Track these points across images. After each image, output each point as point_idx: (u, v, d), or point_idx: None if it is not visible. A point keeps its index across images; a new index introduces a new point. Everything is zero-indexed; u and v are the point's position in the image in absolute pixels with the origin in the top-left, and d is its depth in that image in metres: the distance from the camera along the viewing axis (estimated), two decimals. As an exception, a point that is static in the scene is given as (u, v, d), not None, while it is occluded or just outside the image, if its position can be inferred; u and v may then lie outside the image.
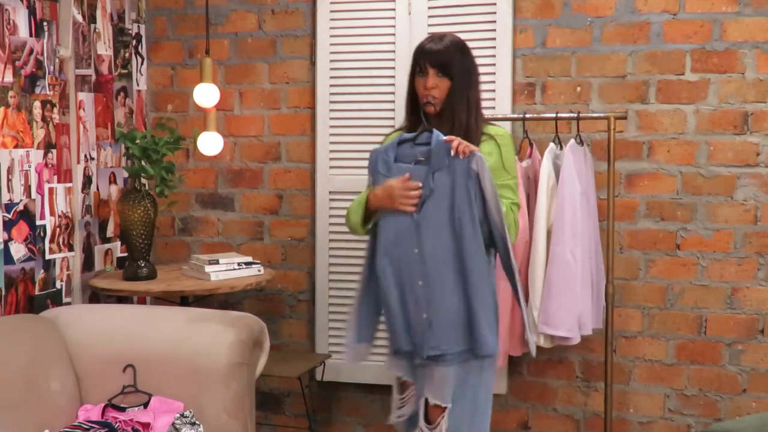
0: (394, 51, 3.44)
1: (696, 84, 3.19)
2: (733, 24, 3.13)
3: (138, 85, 3.75)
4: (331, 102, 3.54)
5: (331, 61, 3.53)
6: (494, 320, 2.44)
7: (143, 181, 3.29)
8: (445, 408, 2.45)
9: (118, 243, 3.58)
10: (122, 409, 2.66)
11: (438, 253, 2.37)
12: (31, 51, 3.02)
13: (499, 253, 2.44)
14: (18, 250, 2.96)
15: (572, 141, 3.00)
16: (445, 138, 2.37)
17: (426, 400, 2.49)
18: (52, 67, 3.13)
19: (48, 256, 3.12)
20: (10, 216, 2.92)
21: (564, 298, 2.93)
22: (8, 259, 2.91)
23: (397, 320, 2.46)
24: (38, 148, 3.07)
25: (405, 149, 2.45)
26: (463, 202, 2.34)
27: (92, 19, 3.41)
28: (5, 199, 2.90)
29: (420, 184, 2.37)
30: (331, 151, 3.55)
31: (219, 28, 3.69)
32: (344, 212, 2.77)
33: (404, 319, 2.46)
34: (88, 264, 3.38)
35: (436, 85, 2.46)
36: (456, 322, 2.39)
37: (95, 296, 3.35)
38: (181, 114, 3.78)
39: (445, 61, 2.45)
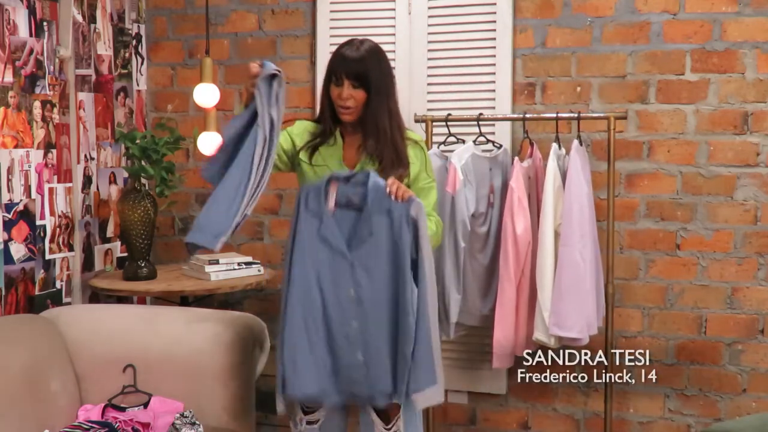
0: (394, 51, 3.43)
1: (696, 84, 3.19)
2: (733, 24, 3.13)
3: (138, 85, 3.75)
4: (331, 102, 3.54)
5: (331, 61, 3.53)
6: (428, 360, 2.35)
7: (143, 181, 3.29)
8: (400, 406, 2.46)
9: (118, 243, 3.58)
10: (122, 409, 2.66)
11: (375, 295, 2.33)
12: (31, 51, 3.02)
13: (420, 292, 2.33)
14: (18, 250, 2.96)
15: (576, 142, 3.00)
16: (385, 182, 2.32)
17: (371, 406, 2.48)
18: (52, 67, 3.13)
19: (48, 256, 3.12)
20: (10, 216, 2.92)
21: (575, 299, 2.93)
22: (8, 259, 2.91)
23: (320, 363, 2.36)
24: (38, 148, 3.07)
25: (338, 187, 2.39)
26: (405, 247, 2.30)
27: (92, 19, 3.41)
28: (5, 199, 2.90)
29: (258, 63, 2.31)
30: (331, 151, 3.55)
31: (219, 28, 3.69)
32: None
33: (331, 362, 2.36)
34: (88, 264, 3.38)
35: (351, 96, 2.40)
36: (387, 365, 2.35)
37: (95, 296, 3.35)
38: (181, 114, 3.78)
39: (360, 72, 2.39)
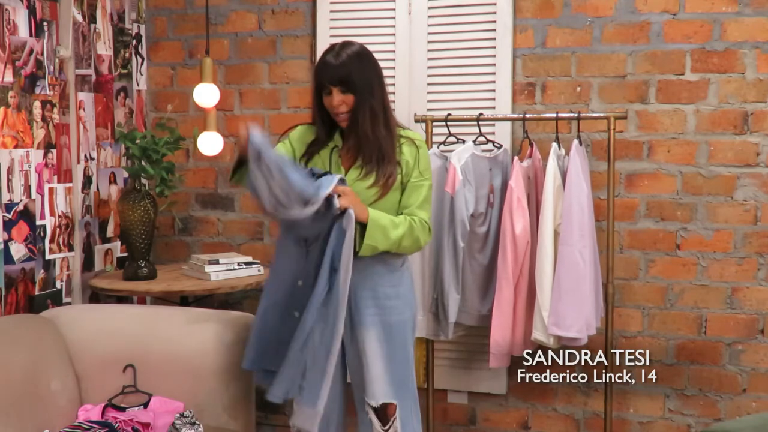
0: (394, 51, 3.44)
1: (696, 84, 3.19)
2: (733, 24, 3.13)
3: (138, 85, 3.75)
4: (331, 102, 3.54)
5: (331, 61, 3.53)
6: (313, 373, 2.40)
7: (143, 181, 3.29)
8: (395, 405, 2.49)
9: (118, 243, 3.58)
10: (122, 409, 2.66)
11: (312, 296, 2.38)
12: (31, 51, 3.02)
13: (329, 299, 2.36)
14: (18, 250, 2.96)
15: (576, 142, 3.00)
16: (333, 189, 2.32)
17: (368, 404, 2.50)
18: (52, 67, 3.13)
19: (48, 256, 3.12)
20: (10, 216, 2.92)
21: (574, 299, 2.93)
22: (8, 259, 2.91)
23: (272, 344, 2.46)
24: (38, 148, 3.07)
25: None
26: (330, 255, 2.34)
27: (92, 19, 3.41)
28: (5, 199, 2.90)
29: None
30: (331, 151, 3.55)
31: (219, 28, 3.69)
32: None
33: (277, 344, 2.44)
34: (88, 264, 3.38)
35: (342, 102, 2.41)
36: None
37: (95, 296, 3.35)
38: (181, 114, 3.78)
39: (343, 76, 2.39)
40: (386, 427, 2.49)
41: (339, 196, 2.32)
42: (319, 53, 3.53)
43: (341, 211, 2.32)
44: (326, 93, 2.43)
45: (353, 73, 2.40)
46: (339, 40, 3.54)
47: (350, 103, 2.42)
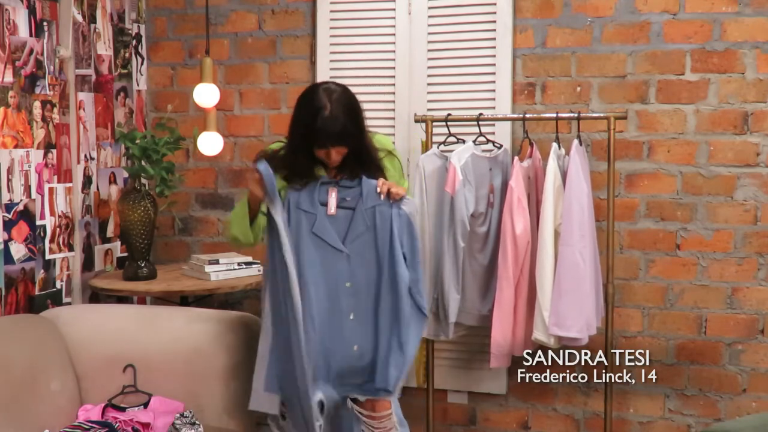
0: (394, 51, 3.44)
1: (696, 84, 3.19)
2: (733, 24, 3.13)
3: (138, 85, 3.75)
4: (331, 102, 3.53)
5: (331, 61, 3.53)
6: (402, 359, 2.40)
7: (143, 181, 3.29)
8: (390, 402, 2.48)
9: (118, 243, 3.58)
10: (122, 409, 2.66)
11: (370, 284, 2.40)
12: (31, 51, 3.02)
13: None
14: (18, 250, 2.96)
15: (576, 142, 3.00)
16: (376, 183, 2.41)
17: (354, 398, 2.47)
18: (52, 67, 3.13)
19: (48, 256, 3.12)
20: (10, 216, 2.92)
21: (574, 299, 2.93)
22: (8, 259, 2.91)
23: (318, 357, 2.41)
24: (38, 148, 3.07)
25: (324, 190, 2.45)
26: (395, 239, 2.39)
27: (92, 19, 3.41)
28: (5, 199, 2.90)
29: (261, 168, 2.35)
30: (331, 151, 3.55)
31: (219, 28, 3.69)
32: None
33: (324, 355, 2.41)
34: (88, 264, 3.38)
35: (339, 154, 2.42)
36: (383, 354, 2.41)
37: (95, 296, 3.35)
38: (181, 114, 3.78)
39: (341, 135, 2.37)
40: (380, 423, 2.49)
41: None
42: (319, 53, 3.54)
43: (396, 199, 2.39)
44: (320, 147, 2.40)
45: (347, 127, 2.38)
46: (339, 40, 3.58)
47: (344, 152, 2.42)
